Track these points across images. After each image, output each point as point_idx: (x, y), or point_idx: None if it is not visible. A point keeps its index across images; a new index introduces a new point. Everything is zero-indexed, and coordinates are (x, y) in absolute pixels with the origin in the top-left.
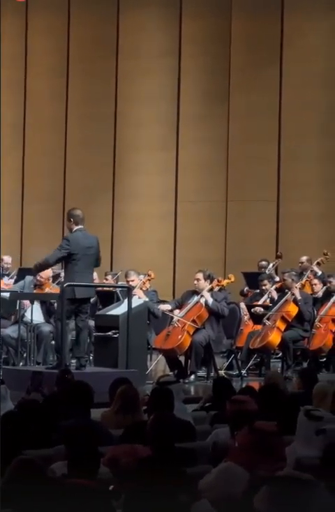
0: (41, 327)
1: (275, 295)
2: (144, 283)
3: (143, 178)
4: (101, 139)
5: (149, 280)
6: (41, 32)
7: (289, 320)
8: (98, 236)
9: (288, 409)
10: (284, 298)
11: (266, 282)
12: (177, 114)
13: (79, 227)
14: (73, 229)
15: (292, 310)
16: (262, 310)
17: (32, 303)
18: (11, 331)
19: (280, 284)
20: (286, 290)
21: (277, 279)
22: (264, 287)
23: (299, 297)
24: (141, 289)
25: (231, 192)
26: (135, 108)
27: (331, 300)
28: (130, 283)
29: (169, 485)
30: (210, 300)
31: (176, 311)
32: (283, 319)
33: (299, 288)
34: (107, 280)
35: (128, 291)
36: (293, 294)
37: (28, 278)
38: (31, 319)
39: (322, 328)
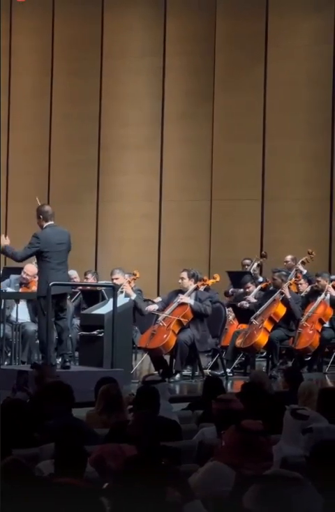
0: (26, 326)
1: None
2: (129, 282)
3: (128, 177)
4: (86, 138)
5: (135, 279)
6: (26, 30)
7: (277, 321)
8: (83, 235)
9: (274, 408)
10: (272, 298)
11: (249, 284)
12: (162, 113)
13: (50, 223)
14: (43, 226)
15: (280, 310)
16: (247, 304)
17: (17, 301)
18: None
19: (265, 284)
20: (272, 289)
21: (261, 279)
22: (247, 290)
23: (289, 296)
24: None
25: (215, 192)
26: (120, 107)
27: (318, 299)
28: (115, 281)
29: (160, 483)
30: (191, 302)
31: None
32: (271, 319)
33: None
34: (87, 279)
35: (113, 290)
36: (283, 293)
37: (14, 277)
38: (16, 318)
39: (309, 327)
